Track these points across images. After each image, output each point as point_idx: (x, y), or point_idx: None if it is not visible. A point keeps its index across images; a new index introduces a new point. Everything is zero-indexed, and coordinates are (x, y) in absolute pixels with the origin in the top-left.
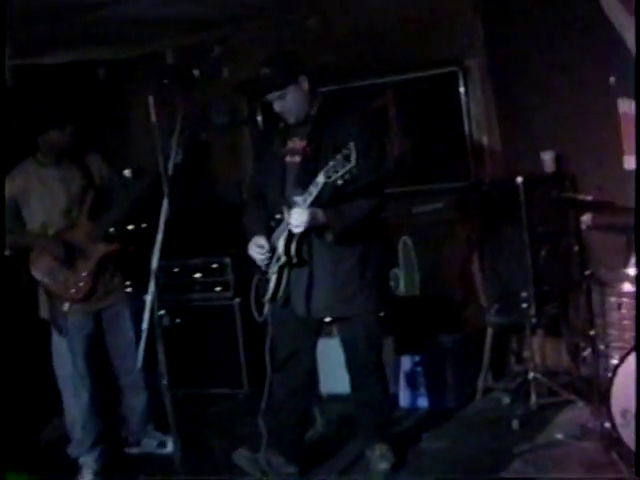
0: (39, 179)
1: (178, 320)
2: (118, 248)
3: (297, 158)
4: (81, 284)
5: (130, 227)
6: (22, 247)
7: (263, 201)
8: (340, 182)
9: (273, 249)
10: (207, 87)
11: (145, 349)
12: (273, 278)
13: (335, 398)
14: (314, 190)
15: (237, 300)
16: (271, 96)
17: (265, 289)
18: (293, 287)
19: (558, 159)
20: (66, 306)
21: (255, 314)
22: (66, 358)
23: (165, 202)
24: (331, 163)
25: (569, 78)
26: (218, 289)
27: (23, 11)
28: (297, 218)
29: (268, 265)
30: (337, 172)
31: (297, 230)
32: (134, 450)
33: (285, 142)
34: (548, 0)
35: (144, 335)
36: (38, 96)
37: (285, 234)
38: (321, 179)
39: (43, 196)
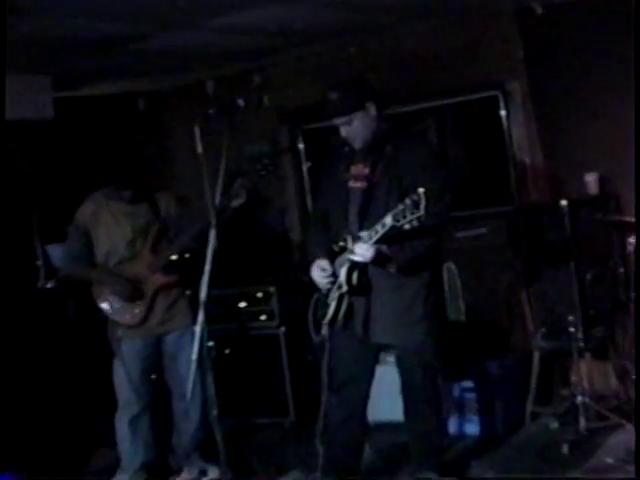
0: (109, 210)
1: (227, 351)
2: (175, 279)
3: (361, 184)
4: (136, 311)
5: (174, 257)
6: (84, 280)
7: (326, 224)
8: (407, 227)
9: (335, 275)
10: (248, 116)
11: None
12: (333, 303)
13: (383, 426)
14: (381, 230)
15: (282, 329)
16: (337, 121)
17: (323, 309)
18: (356, 312)
19: (602, 181)
20: (120, 331)
21: (312, 334)
22: (123, 381)
23: (212, 233)
24: (400, 207)
25: (611, 99)
26: (263, 318)
27: (64, 44)
28: (362, 253)
29: (329, 289)
30: (405, 217)
31: (360, 260)
32: (176, 478)
33: (349, 167)
34: (589, 21)
35: (193, 366)
36: (79, 128)
37: (348, 263)
38: (389, 221)
39: (110, 227)
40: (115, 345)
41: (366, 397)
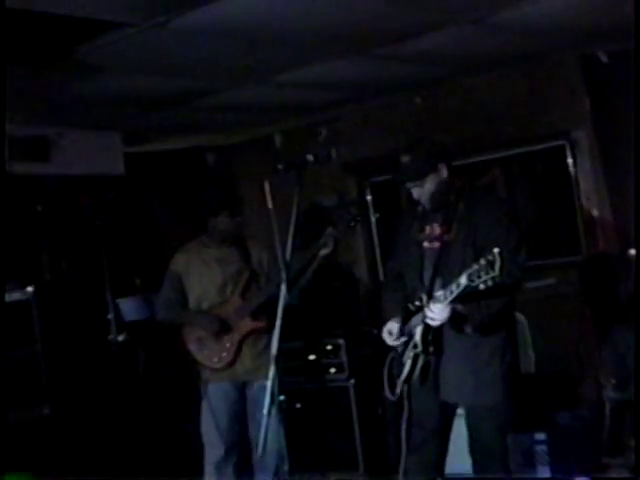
0: (201, 258)
1: (298, 405)
2: (263, 325)
3: (435, 244)
4: (224, 354)
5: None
6: (179, 324)
7: (400, 283)
8: (482, 286)
9: (410, 334)
10: (316, 169)
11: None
12: (408, 362)
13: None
14: (455, 290)
15: (352, 381)
16: (409, 184)
17: (398, 368)
18: (437, 373)
19: None
20: (207, 373)
21: (388, 393)
22: (209, 424)
23: (283, 288)
24: (475, 267)
25: None
26: (332, 370)
27: (135, 100)
28: (438, 314)
29: (404, 348)
30: (480, 277)
31: (435, 324)
32: None
33: (423, 227)
34: None
35: (265, 420)
36: (150, 182)
37: (423, 323)
38: (464, 281)
39: (202, 273)
40: (202, 388)
41: (444, 455)
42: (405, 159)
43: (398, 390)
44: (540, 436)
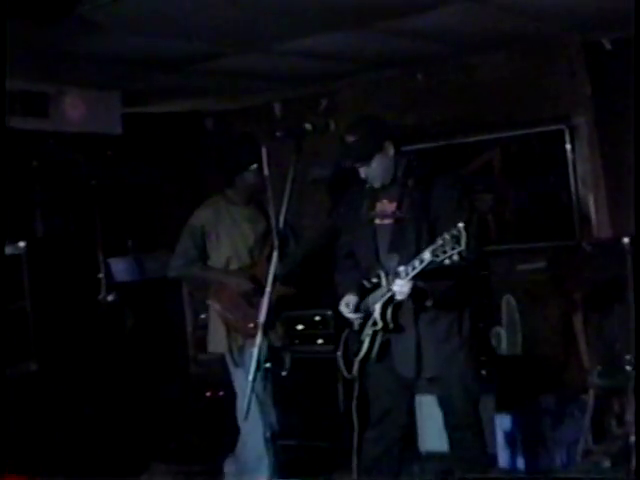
0: (230, 215)
1: (284, 373)
2: (294, 292)
3: (388, 221)
4: (259, 320)
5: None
6: (201, 280)
7: (352, 261)
8: (447, 262)
9: (367, 311)
10: (314, 139)
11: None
12: (366, 340)
13: (434, 456)
14: (419, 265)
15: (339, 353)
16: (356, 164)
17: (355, 346)
18: (395, 349)
19: None
20: (242, 340)
21: (344, 371)
22: (244, 389)
23: (275, 255)
24: (439, 242)
25: None
26: (320, 342)
27: (136, 61)
28: (400, 289)
29: (362, 326)
30: (445, 252)
31: (399, 297)
32: None
33: (374, 205)
34: None
35: (249, 386)
36: (147, 144)
37: (382, 300)
38: (427, 256)
39: (232, 232)
40: (236, 355)
41: (404, 430)
42: (350, 139)
43: (355, 368)
44: (522, 419)
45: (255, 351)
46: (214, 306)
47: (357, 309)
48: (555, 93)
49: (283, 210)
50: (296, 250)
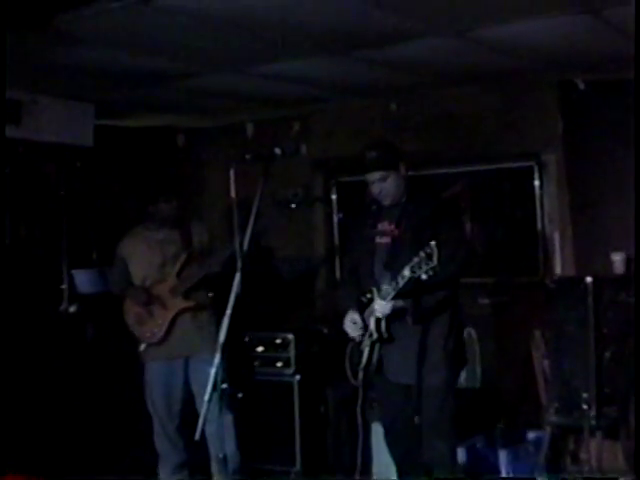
0: (144, 241)
1: (240, 395)
2: (193, 305)
3: (385, 240)
4: (156, 330)
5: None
6: (122, 295)
7: (355, 277)
8: (424, 277)
9: (365, 324)
10: (284, 163)
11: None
12: (366, 350)
13: None
14: (401, 281)
15: (297, 377)
16: (373, 176)
17: (357, 356)
18: (386, 357)
19: (628, 261)
20: (142, 347)
21: (351, 378)
22: (151, 398)
23: (237, 277)
24: (415, 259)
25: None
26: (279, 365)
27: (111, 74)
28: (380, 310)
29: (362, 337)
30: (421, 268)
31: (380, 316)
32: None
33: (376, 224)
34: (629, 101)
35: (205, 407)
36: (117, 157)
37: (374, 316)
38: (407, 273)
39: (144, 255)
40: (145, 366)
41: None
42: (372, 154)
43: (360, 376)
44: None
45: (212, 371)
46: (125, 318)
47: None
48: (526, 129)
49: (248, 231)
50: (201, 266)
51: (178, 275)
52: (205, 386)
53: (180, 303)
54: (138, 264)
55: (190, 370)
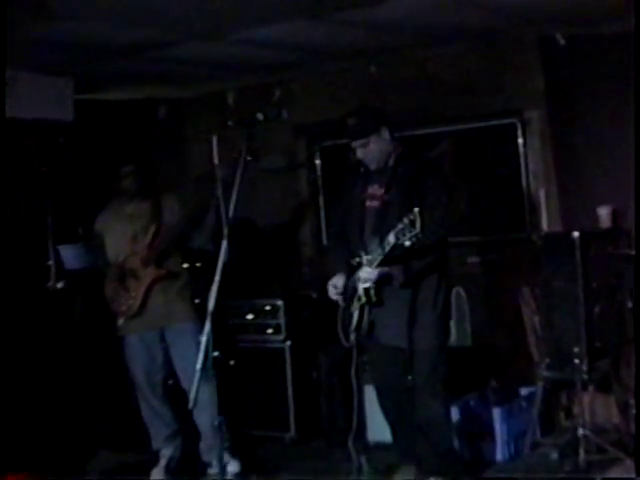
0: (115, 215)
1: (232, 362)
2: (165, 273)
3: (375, 203)
4: (131, 302)
5: (185, 265)
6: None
7: (344, 240)
8: (408, 243)
9: (354, 288)
10: (267, 129)
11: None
12: (356, 313)
13: (382, 446)
14: (387, 246)
15: (288, 343)
16: (355, 143)
17: (347, 319)
18: (377, 320)
19: (615, 214)
20: (120, 321)
21: (343, 340)
22: (133, 372)
23: (224, 244)
24: (399, 226)
25: (629, 133)
26: (270, 331)
27: (89, 47)
28: (366, 276)
29: (351, 300)
30: (404, 235)
31: (366, 285)
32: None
33: (366, 188)
34: (611, 54)
35: (197, 375)
36: (99, 131)
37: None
38: (392, 239)
39: (116, 229)
40: (123, 340)
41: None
42: (352, 121)
43: (352, 338)
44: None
45: (203, 339)
46: (106, 295)
47: (345, 289)
48: (508, 87)
49: (233, 198)
50: (166, 234)
51: (149, 247)
52: (186, 359)
53: (152, 272)
54: (112, 238)
55: (168, 343)
